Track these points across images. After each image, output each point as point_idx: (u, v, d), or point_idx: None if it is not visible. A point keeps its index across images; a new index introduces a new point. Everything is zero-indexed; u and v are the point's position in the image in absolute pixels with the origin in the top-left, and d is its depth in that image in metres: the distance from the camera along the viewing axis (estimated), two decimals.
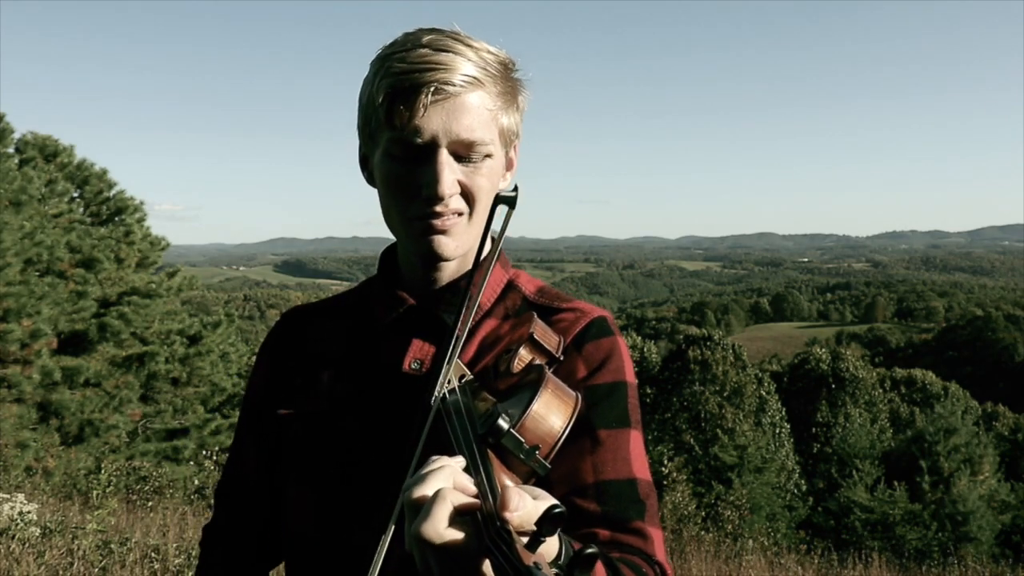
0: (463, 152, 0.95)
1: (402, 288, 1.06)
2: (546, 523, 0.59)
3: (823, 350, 37.18)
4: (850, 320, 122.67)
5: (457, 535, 0.62)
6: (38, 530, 5.58)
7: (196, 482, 11.27)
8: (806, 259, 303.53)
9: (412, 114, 0.92)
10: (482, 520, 0.62)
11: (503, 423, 0.74)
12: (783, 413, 29.65)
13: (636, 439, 0.98)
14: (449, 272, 1.04)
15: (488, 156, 0.97)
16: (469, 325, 1.01)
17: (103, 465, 9.74)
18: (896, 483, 20.31)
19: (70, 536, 5.52)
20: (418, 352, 1.02)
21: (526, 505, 0.61)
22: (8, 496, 6.47)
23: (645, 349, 33.63)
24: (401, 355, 1.02)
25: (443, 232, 0.96)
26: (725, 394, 29.04)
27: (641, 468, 0.96)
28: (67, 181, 14.88)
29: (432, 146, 0.93)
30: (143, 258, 15.59)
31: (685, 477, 19.17)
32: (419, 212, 0.96)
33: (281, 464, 1.08)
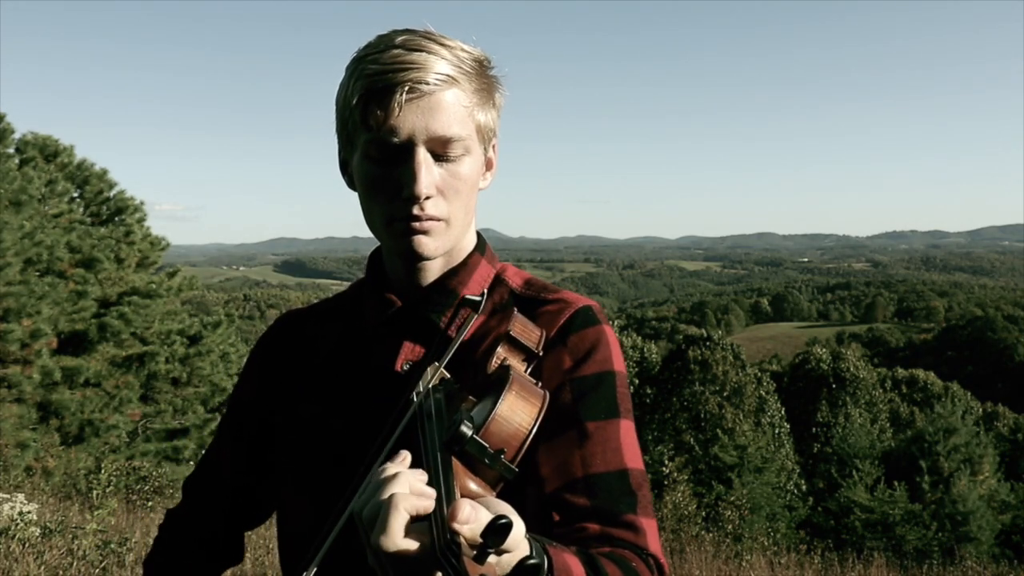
0: (440, 150, 0.95)
1: (389, 289, 1.06)
2: (491, 535, 0.59)
3: (823, 350, 37.19)
4: (850, 320, 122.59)
5: (411, 545, 0.62)
6: (38, 530, 5.58)
7: None
8: (806, 259, 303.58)
9: (387, 114, 0.91)
10: (436, 531, 0.62)
11: (465, 429, 0.74)
12: (783, 413, 29.65)
13: (627, 428, 0.97)
14: (434, 271, 1.04)
15: (466, 153, 0.97)
16: (455, 324, 1.02)
17: (103, 465, 9.73)
18: (896, 483, 20.29)
19: (70, 536, 5.52)
20: (409, 354, 1.02)
21: (478, 517, 0.61)
22: (8, 496, 6.47)
23: (645, 349, 33.63)
24: (393, 357, 1.02)
25: (424, 232, 0.96)
26: (725, 394, 29.04)
27: (633, 458, 0.95)
28: (67, 181, 14.87)
29: (409, 145, 0.93)
30: (143, 258, 15.59)
31: (685, 477, 19.16)
32: (399, 212, 0.95)
33: (277, 468, 1.08)
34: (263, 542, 6.15)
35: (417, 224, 0.95)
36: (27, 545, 5.22)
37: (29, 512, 5.94)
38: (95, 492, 8.34)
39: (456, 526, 0.60)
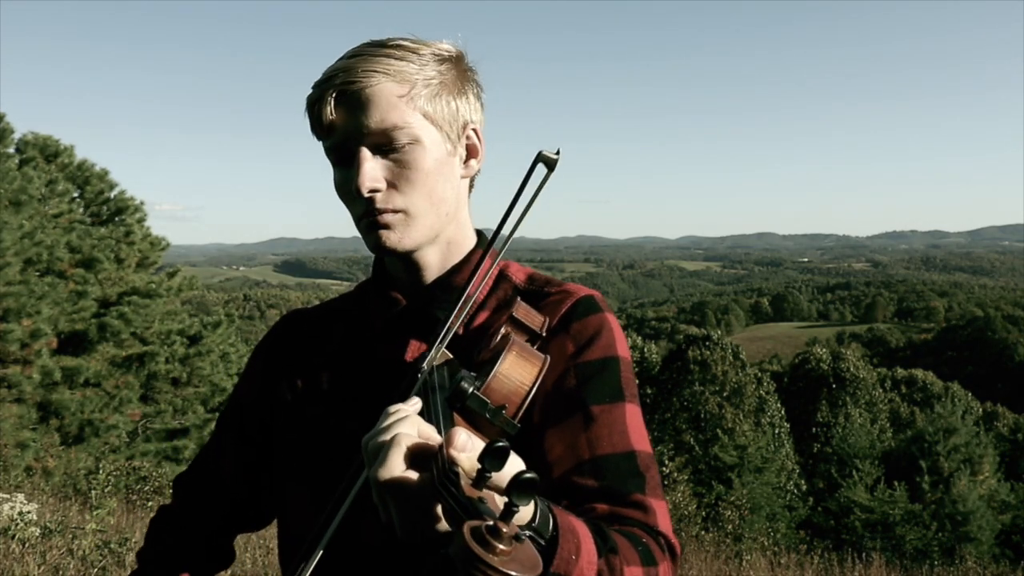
0: (383, 142, 0.96)
1: (394, 289, 1.07)
2: (488, 458, 0.59)
3: (823, 350, 37.20)
4: (850, 320, 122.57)
5: (410, 476, 0.64)
6: (38, 530, 5.58)
7: None
8: (806, 259, 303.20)
9: (323, 119, 0.95)
10: (437, 467, 0.64)
11: (466, 385, 0.78)
12: (783, 413, 29.65)
13: (632, 412, 0.97)
14: (433, 269, 1.05)
15: (414, 142, 0.97)
16: (463, 319, 1.02)
17: (102, 465, 9.73)
18: (896, 483, 20.32)
19: (70, 536, 5.52)
20: (415, 351, 1.03)
21: (474, 445, 0.63)
22: (8, 496, 6.47)
23: (645, 349, 33.61)
24: (400, 355, 1.03)
25: (385, 226, 0.98)
26: (725, 394, 29.03)
27: (640, 440, 0.95)
28: (68, 181, 14.87)
29: (348, 144, 0.96)
30: (143, 258, 15.59)
31: (685, 477, 19.19)
32: (358, 211, 0.99)
33: (278, 468, 1.08)
34: (263, 542, 6.15)
35: (375, 219, 0.97)
36: (27, 545, 5.22)
37: (29, 512, 5.94)
38: (95, 492, 8.33)
39: (453, 453, 0.62)
